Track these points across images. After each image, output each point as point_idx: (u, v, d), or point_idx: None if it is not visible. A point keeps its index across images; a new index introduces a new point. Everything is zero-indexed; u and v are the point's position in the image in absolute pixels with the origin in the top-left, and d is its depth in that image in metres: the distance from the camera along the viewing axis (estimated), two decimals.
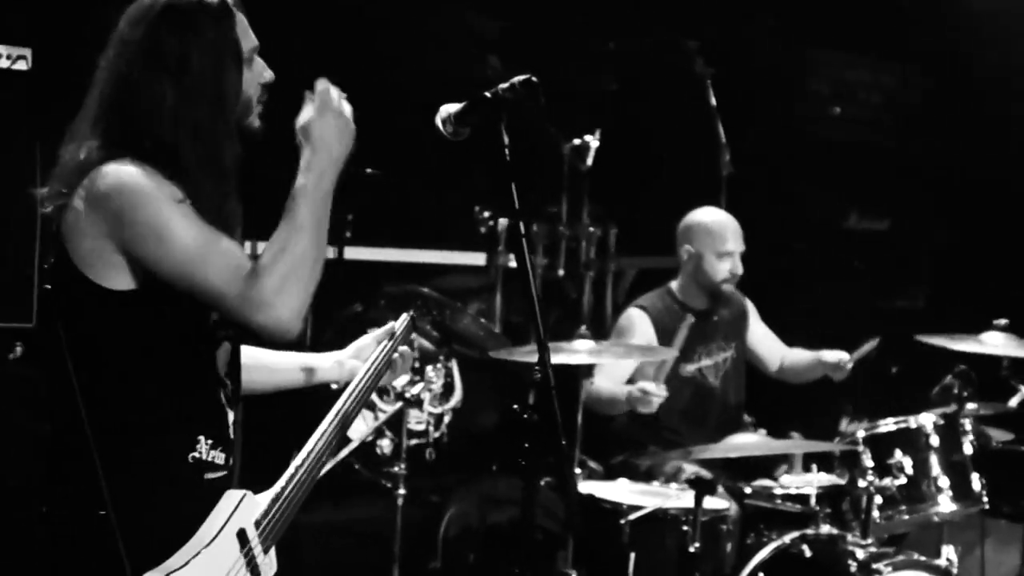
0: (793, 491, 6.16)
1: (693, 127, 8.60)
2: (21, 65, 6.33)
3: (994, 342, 6.39)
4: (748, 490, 6.18)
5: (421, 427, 7.08)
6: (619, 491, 6.02)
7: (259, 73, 3.51)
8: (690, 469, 6.31)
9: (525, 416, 3.34)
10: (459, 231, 8.18)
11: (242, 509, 3.41)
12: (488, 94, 3.46)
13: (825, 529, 5.95)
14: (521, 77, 3.44)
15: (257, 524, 3.43)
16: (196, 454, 3.37)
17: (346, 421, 3.68)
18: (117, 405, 3.29)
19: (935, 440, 6.12)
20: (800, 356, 7.07)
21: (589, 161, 7.91)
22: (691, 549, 5.49)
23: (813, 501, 6.04)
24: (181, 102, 3.33)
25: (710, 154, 8.49)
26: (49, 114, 6.28)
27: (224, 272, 3.20)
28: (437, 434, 7.06)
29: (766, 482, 6.30)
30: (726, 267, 6.77)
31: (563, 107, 7.43)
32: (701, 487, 5.55)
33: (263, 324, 3.20)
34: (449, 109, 3.55)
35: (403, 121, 7.57)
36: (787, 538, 5.88)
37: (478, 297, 7.99)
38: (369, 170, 6.92)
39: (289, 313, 3.19)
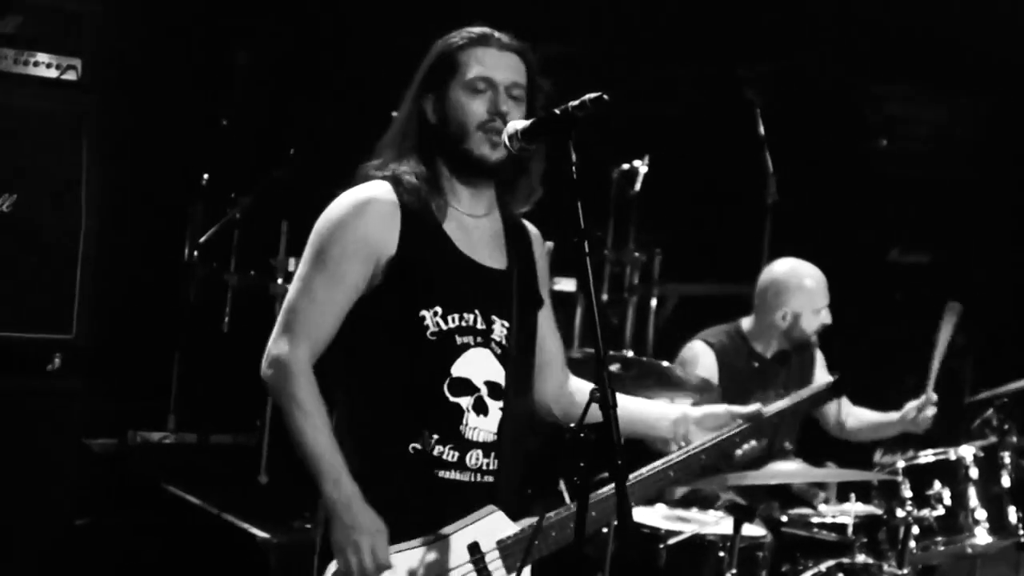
0: (830, 520, 6.25)
1: (741, 155, 8.70)
2: (71, 75, 6.50)
3: None
4: (784, 518, 6.26)
5: None
6: (657, 516, 6.11)
7: (486, 102, 3.81)
8: (726, 496, 6.39)
9: (582, 435, 3.41)
10: None
11: (485, 524, 3.72)
12: (557, 111, 3.51)
13: (861, 558, 6.02)
14: (592, 95, 3.45)
15: (500, 543, 3.72)
16: (418, 445, 3.71)
17: (645, 492, 3.99)
18: (353, 398, 3.79)
19: (974, 472, 6.24)
20: (865, 416, 7.06)
21: (637, 186, 8.01)
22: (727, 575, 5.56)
23: (850, 530, 6.15)
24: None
25: (757, 182, 8.59)
26: (97, 125, 6.51)
27: None
28: None
29: (803, 510, 6.37)
30: (820, 321, 6.76)
31: (613, 132, 7.58)
32: (740, 514, 5.62)
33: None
34: (517, 126, 3.65)
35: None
36: (823, 567, 5.94)
37: None
38: None
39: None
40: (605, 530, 5.81)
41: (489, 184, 3.89)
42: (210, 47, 7.84)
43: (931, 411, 6.56)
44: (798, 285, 6.75)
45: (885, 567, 5.98)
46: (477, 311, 3.78)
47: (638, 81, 8.90)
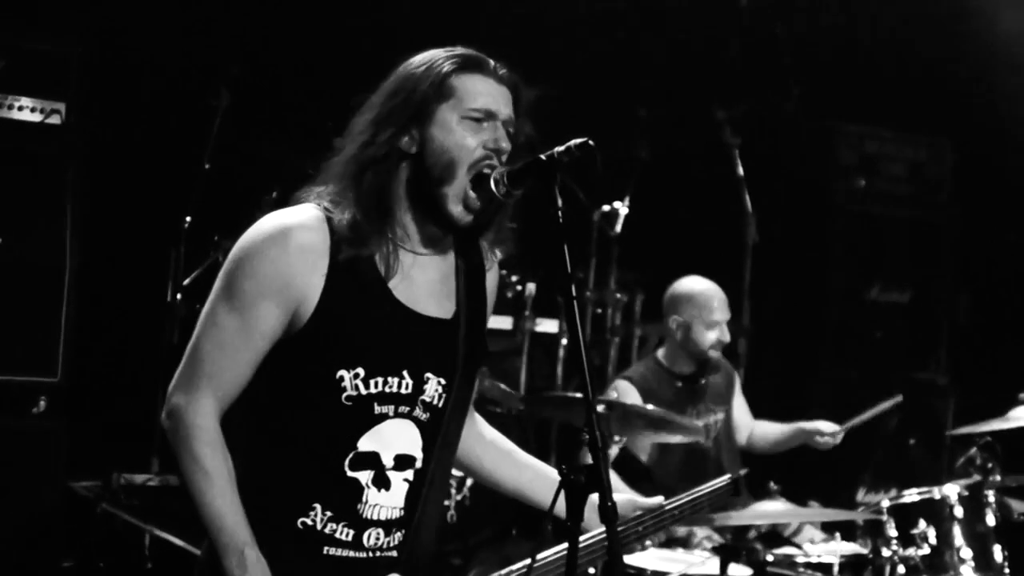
0: (815, 559, 6.26)
1: (720, 196, 8.72)
2: (55, 119, 6.50)
3: (1021, 416, 6.48)
4: (770, 557, 6.26)
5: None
6: (644, 556, 6.07)
7: (483, 137, 3.46)
8: (702, 534, 6.40)
9: (572, 477, 3.38)
10: None
11: None
12: (543, 156, 3.38)
13: None
14: (578, 140, 3.36)
15: None
16: (307, 520, 3.39)
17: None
18: (247, 455, 3.40)
19: (959, 511, 6.27)
20: (771, 428, 7.24)
21: (618, 227, 8.04)
22: None
23: (836, 570, 6.15)
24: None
25: (737, 222, 8.62)
26: (81, 168, 6.50)
27: None
28: (459, 496, 7.15)
29: (789, 550, 6.38)
30: (714, 336, 6.88)
31: (595, 175, 7.58)
32: (726, 554, 5.63)
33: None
34: (503, 171, 3.47)
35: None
36: None
37: (504, 361, 8.10)
38: None
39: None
40: (592, 571, 5.80)
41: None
42: (192, 88, 7.83)
43: (831, 442, 6.86)
44: (687, 295, 6.92)
45: None
46: (406, 372, 3.41)
47: (616, 123, 8.92)
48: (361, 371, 3.35)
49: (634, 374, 6.96)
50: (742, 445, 7.29)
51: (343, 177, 3.43)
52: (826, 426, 6.93)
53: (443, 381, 3.48)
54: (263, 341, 3.33)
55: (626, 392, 6.81)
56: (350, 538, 3.40)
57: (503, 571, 3.64)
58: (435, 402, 3.47)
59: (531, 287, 7.97)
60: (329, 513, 3.38)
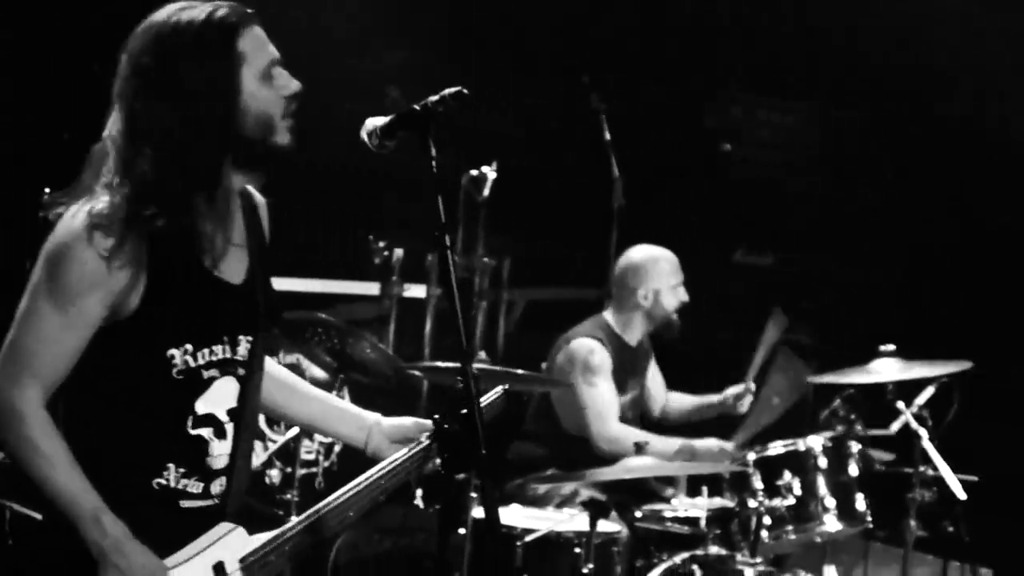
0: (683, 514, 6.39)
1: (588, 161, 8.78)
2: None
3: (881, 369, 6.65)
4: (639, 513, 6.37)
5: (311, 456, 7.19)
6: (513, 515, 6.18)
7: (282, 87, 3.53)
8: (586, 493, 6.48)
9: (446, 426, 3.45)
10: (354, 260, 8.36)
11: (227, 541, 3.59)
12: (417, 107, 3.45)
13: (714, 550, 6.15)
14: (452, 89, 3.44)
15: (243, 561, 3.59)
16: (162, 480, 3.52)
17: (360, 505, 3.74)
18: (92, 428, 3.50)
19: (823, 462, 6.40)
20: (684, 399, 7.45)
21: (486, 192, 8.05)
22: (584, 571, 5.67)
23: (703, 523, 6.27)
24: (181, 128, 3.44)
25: (604, 187, 8.67)
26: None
27: None
28: (327, 463, 7.17)
29: (657, 505, 6.51)
30: (678, 298, 7.14)
31: (462, 139, 7.61)
32: (595, 510, 5.71)
33: None
34: (376, 122, 3.53)
35: (299, 150, 7.76)
36: (677, 559, 6.06)
37: (371, 328, 8.10)
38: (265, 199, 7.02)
39: None
40: (463, 531, 5.88)
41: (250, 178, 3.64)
42: (63, 59, 7.73)
43: (748, 399, 7.08)
44: (654, 264, 7.13)
45: (738, 557, 6.11)
46: (225, 337, 3.58)
47: (484, 88, 8.94)
48: (189, 347, 3.51)
49: (601, 335, 7.08)
50: (656, 416, 7.47)
51: (153, 162, 3.43)
52: (732, 389, 7.15)
53: (250, 338, 3.63)
54: (87, 330, 3.42)
55: (602, 356, 7.00)
56: (200, 490, 3.58)
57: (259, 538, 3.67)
58: (246, 358, 3.64)
59: (398, 252, 7.96)
60: (182, 470, 3.55)
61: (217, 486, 3.61)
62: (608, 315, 7.19)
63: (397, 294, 8.08)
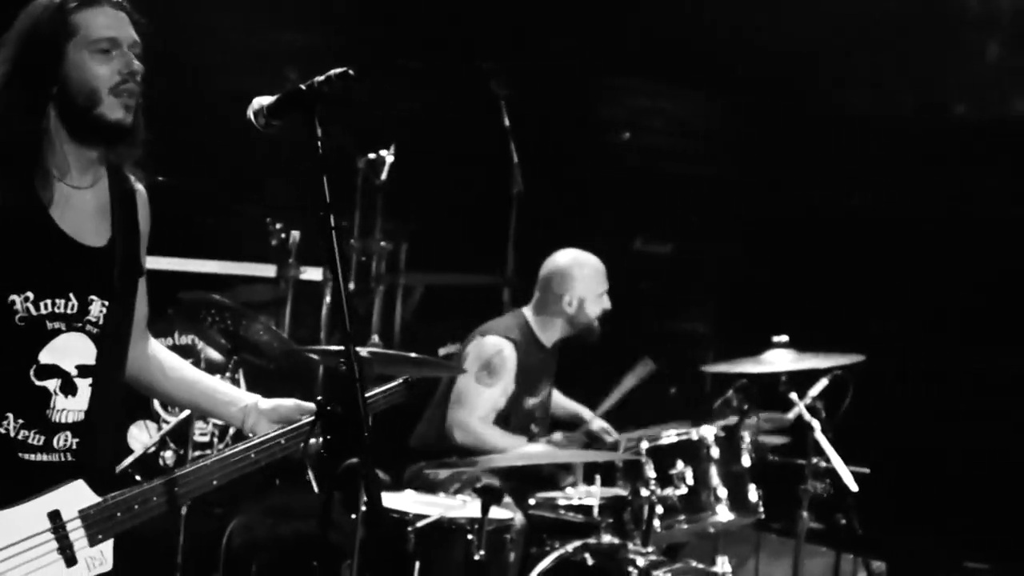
0: (576, 502, 6.37)
1: (487, 147, 8.75)
2: None
3: (774, 359, 6.68)
4: (532, 501, 6.37)
5: (205, 438, 7.12)
6: (406, 500, 6.13)
7: (118, 65, 3.63)
8: (484, 480, 6.45)
9: (329, 408, 3.41)
10: (251, 242, 8.27)
11: (65, 493, 3.57)
12: (303, 86, 3.47)
13: (607, 539, 6.15)
14: (338, 70, 3.45)
15: (82, 512, 3.57)
16: (1, 430, 3.56)
17: (224, 474, 3.75)
18: None
19: (715, 451, 6.41)
20: (563, 400, 7.41)
21: (384, 175, 8.00)
22: (476, 558, 5.62)
23: (596, 511, 6.26)
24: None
25: (503, 173, 8.65)
26: None
27: None
28: (222, 445, 7.08)
29: (550, 493, 6.49)
30: (601, 306, 7.08)
31: (361, 122, 7.56)
32: (487, 497, 5.68)
33: None
34: (262, 101, 3.54)
35: (195, 131, 7.67)
36: (570, 547, 6.05)
37: (267, 310, 8.02)
38: (160, 178, 6.94)
39: None
40: (354, 516, 5.83)
41: (99, 152, 3.72)
42: None
43: (613, 439, 7.01)
44: (581, 271, 7.05)
45: (630, 546, 6.10)
46: (72, 294, 3.65)
47: (383, 73, 8.88)
48: (31, 294, 3.58)
49: (514, 336, 6.99)
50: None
51: None
52: (604, 433, 7.11)
53: (105, 303, 3.70)
54: None
55: (510, 356, 6.90)
56: (41, 443, 3.61)
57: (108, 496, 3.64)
58: (100, 321, 3.69)
59: (295, 234, 7.89)
60: (21, 421, 3.58)
61: (61, 440, 3.63)
62: (529, 314, 7.11)
63: (294, 276, 8.00)
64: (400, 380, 4.06)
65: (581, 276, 7.03)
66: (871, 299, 8.81)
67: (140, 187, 3.88)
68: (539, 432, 6.99)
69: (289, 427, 3.85)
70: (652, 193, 9.75)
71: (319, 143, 3.45)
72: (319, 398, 3.49)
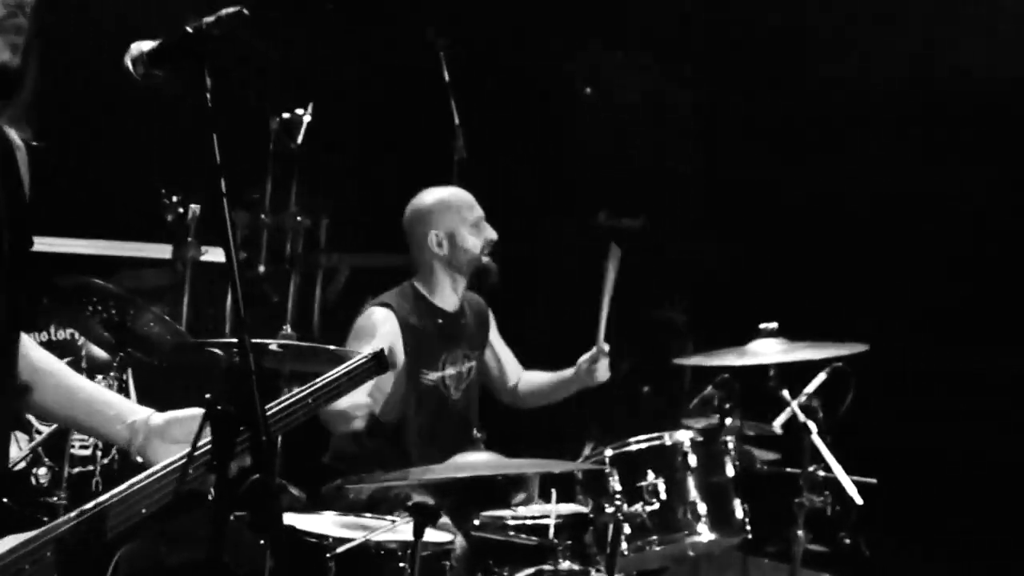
0: (529, 522, 6.31)
1: (424, 107, 8.74)
2: None
3: (761, 350, 6.62)
4: (476, 521, 6.31)
5: (87, 452, 7.07)
6: (325, 523, 6.04)
7: None
8: (417, 497, 6.38)
9: (219, 407, 3.33)
10: (140, 219, 8.21)
11: None
12: (190, 28, 3.40)
13: (566, 565, 6.08)
14: (230, 9, 3.41)
15: None
16: None
17: (154, 500, 3.56)
18: None
19: (693, 460, 6.35)
20: (540, 377, 7.40)
21: (299, 139, 7.97)
22: None
23: (552, 532, 6.17)
24: None
25: (442, 137, 8.63)
26: None
27: None
28: (106, 460, 7.05)
29: (498, 511, 6.43)
30: (483, 236, 7.05)
31: (272, 75, 7.50)
32: (421, 516, 5.60)
33: None
34: (142, 47, 3.48)
35: (73, 86, 7.61)
36: (521, 575, 6.00)
37: (161, 298, 7.95)
38: (35, 143, 6.89)
39: None
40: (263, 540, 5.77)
41: None
42: None
43: (604, 362, 7.03)
44: (439, 203, 7.08)
45: (593, 573, 6.06)
46: None
47: (299, 18, 8.85)
48: None
49: (392, 301, 6.99)
50: (506, 399, 7.47)
51: None
52: (584, 357, 7.09)
53: None
54: None
55: (383, 321, 6.86)
56: None
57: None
58: None
59: (195, 208, 7.82)
60: None
61: None
62: (416, 279, 7.13)
63: (193, 258, 7.92)
64: (368, 353, 3.96)
65: (440, 208, 7.06)
66: (876, 281, 8.82)
67: (16, 139, 3.75)
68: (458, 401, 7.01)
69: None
70: (619, 160, 9.75)
71: (208, 96, 3.36)
72: (207, 397, 3.39)
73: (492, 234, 7.09)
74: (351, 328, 6.99)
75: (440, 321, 7.00)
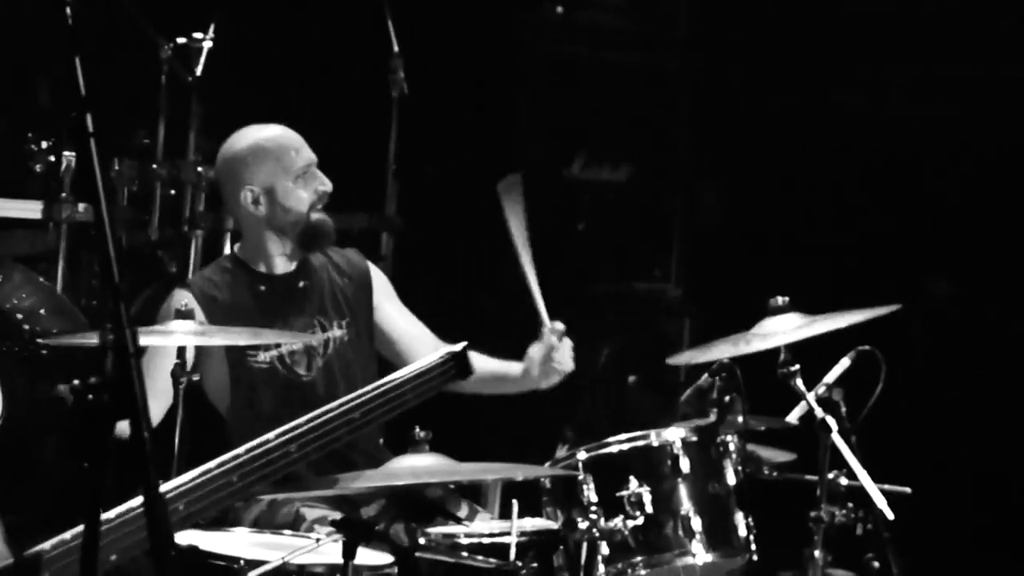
0: (487, 540, 6.25)
1: (355, 30, 8.73)
2: None
3: (770, 330, 6.58)
4: (422, 539, 6.25)
5: None
6: (235, 541, 6.00)
7: None
8: (331, 514, 6.37)
9: (91, 396, 3.31)
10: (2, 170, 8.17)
11: None
12: None
13: None
14: None
15: None
16: None
17: None
18: None
19: (685, 464, 6.33)
20: (488, 364, 7.26)
21: (199, 69, 7.94)
22: None
23: (513, 553, 6.14)
24: None
25: (378, 69, 8.62)
26: None
27: None
28: None
29: (448, 528, 6.36)
30: (312, 189, 6.91)
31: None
32: (353, 533, 5.59)
33: None
34: None
35: None
36: None
37: (37, 267, 7.92)
38: None
39: None
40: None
41: None
42: None
43: (564, 348, 6.89)
44: (250, 149, 6.90)
45: None
46: None
47: None
48: None
49: (198, 278, 7.00)
50: None
51: None
52: (534, 350, 6.99)
53: None
54: None
55: (174, 302, 6.60)
56: None
57: None
58: None
59: (69, 156, 7.81)
60: None
61: None
62: (239, 244, 7.07)
63: (69, 218, 7.89)
64: (445, 353, 4.26)
65: (255, 157, 6.89)
66: (916, 242, 8.85)
67: None
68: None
69: None
70: (596, 96, 9.75)
71: (68, 11, 3.37)
72: (75, 382, 3.38)
73: (326, 184, 6.93)
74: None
75: (263, 288, 6.89)
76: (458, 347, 3.99)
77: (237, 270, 6.94)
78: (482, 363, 7.25)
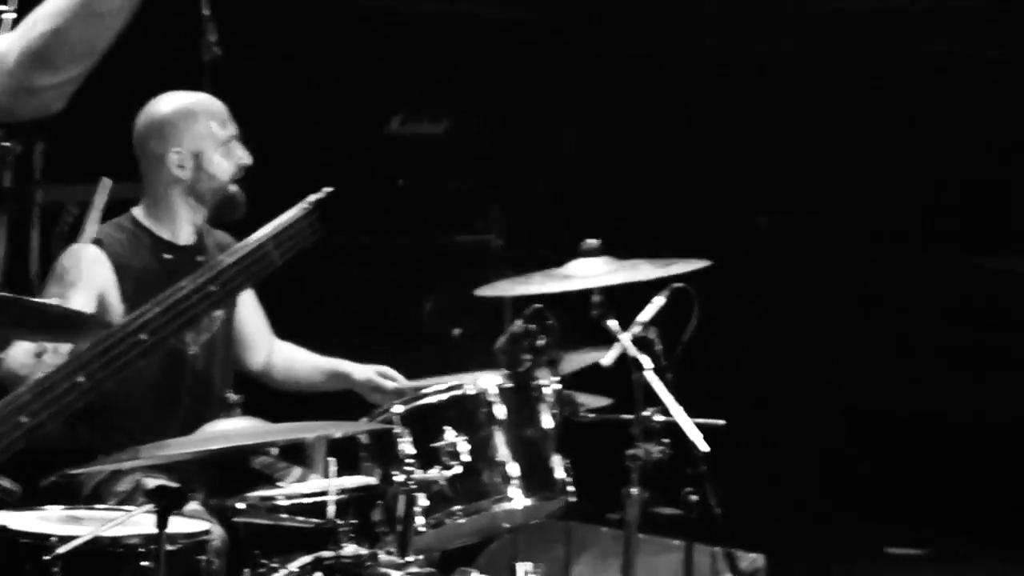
0: (306, 501, 6.23)
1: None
2: None
3: (581, 272, 6.59)
4: (239, 504, 6.21)
5: None
6: (46, 519, 5.98)
7: None
8: (154, 482, 6.30)
9: None
10: None
11: None
12: None
13: (350, 549, 6.04)
14: None
15: None
16: None
17: None
18: None
19: (500, 411, 6.35)
20: (301, 357, 7.41)
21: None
22: None
23: (331, 511, 6.12)
24: None
25: (189, 31, 8.54)
26: None
27: None
28: None
29: (264, 491, 6.37)
30: (234, 160, 6.97)
31: None
32: (165, 502, 5.52)
33: None
34: None
35: None
36: (295, 566, 5.97)
37: None
38: None
39: None
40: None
41: None
42: None
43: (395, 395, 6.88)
44: (180, 112, 6.96)
45: (383, 557, 6.07)
46: None
47: None
48: None
49: (104, 236, 6.86)
50: (256, 370, 7.38)
51: None
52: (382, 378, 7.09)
53: None
54: None
55: (93, 263, 6.76)
56: None
57: None
58: None
59: None
60: None
61: None
62: (139, 207, 7.03)
63: None
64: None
65: (184, 120, 6.95)
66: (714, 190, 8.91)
67: None
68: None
69: None
70: (415, 47, 9.73)
71: None
72: None
73: (246, 158, 7.00)
74: (50, 270, 6.90)
75: (167, 256, 6.87)
76: (322, 193, 3.91)
77: (140, 235, 6.95)
78: (305, 358, 7.33)
